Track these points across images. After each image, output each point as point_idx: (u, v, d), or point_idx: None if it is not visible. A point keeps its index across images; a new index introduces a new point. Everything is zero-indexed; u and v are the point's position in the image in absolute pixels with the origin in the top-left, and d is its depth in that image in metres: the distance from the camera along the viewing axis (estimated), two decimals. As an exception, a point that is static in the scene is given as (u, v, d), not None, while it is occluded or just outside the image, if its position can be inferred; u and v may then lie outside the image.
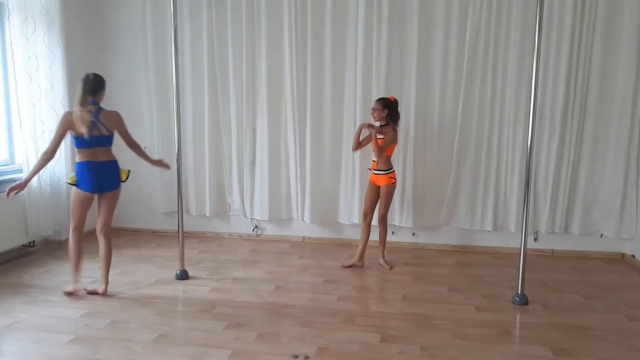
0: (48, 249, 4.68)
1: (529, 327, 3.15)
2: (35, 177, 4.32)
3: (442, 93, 4.59)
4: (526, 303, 3.47)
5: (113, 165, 3.54)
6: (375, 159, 4.11)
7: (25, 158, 4.30)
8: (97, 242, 3.61)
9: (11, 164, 4.46)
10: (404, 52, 4.60)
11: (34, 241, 4.52)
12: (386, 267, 4.21)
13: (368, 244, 4.25)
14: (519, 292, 3.49)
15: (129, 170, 3.67)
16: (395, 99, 4.09)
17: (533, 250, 4.58)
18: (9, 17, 4.10)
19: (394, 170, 4.12)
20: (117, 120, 3.58)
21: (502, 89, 4.51)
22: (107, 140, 3.51)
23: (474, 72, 4.51)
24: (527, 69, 4.30)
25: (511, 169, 4.58)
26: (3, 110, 4.40)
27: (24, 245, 4.45)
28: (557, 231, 4.61)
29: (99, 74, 3.57)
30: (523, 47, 4.36)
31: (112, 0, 5.12)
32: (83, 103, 3.39)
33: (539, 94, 3.48)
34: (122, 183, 3.61)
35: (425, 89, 4.61)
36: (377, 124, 4.06)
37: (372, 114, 4.07)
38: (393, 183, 4.10)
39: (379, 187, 4.13)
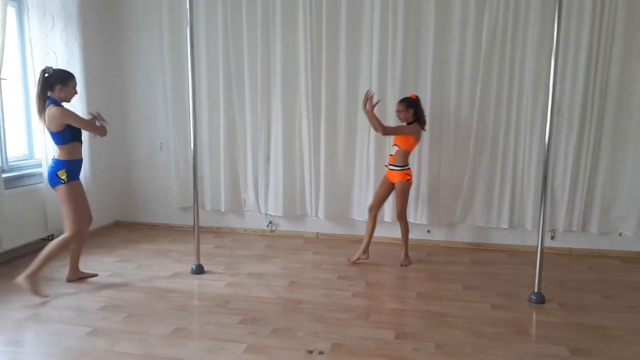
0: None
1: (545, 325, 3.12)
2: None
3: (459, 89, 4.55)
4: (543, 302, 3.43)
5: (53, 162, 3.44)
6: (392, 154, 4.10)
7: (44, 153, 4.35)
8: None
9: (30, 159, 4.53)
10: (420, 47, 4.57)
11: (52, 235, 4.58)
12: (403, 264, 4.20)
13: (385, 240, 4.24)
14: (536, 291, 3.46)
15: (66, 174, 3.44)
16: (417, 96, 4.08)
17: (550, 248, 4.53)
18: (28, 13, 4.16)
19: (409, 168, 4.10)
20: (52, 118, 3.31)
21: (519, 85, 4.46)
22: (54, 138, 3.40)
23: (491, 68, 4.46)
24: (544, 65, 4.25)
25: (528, 166, 4.53)
26: (22, 106, 4.46)
27: (42, 239, 4.52)
28: (574, 229, 4.55)
29: (66, 69, 3.53)
30: (541, 42, 4.30)
31: (129, -4, 5.17)
32: (38, 98, 3.34)
33: (557, 91, 3.43)
34: (62, 184, 3.41)
35: (441, 85, 4.58)
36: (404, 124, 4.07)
37: (398, 116, 4.07)
38: (408, 180, 4.08)
39: (392, 183, 4.12)
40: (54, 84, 3.34)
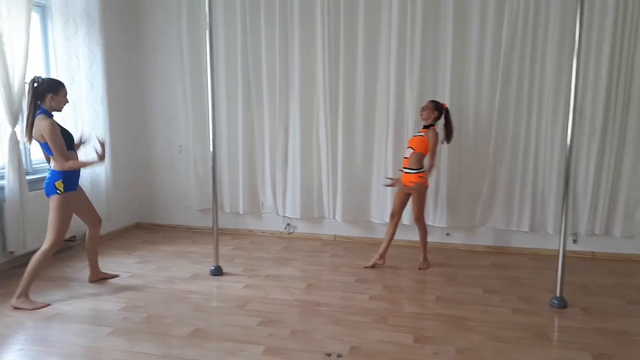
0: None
1: (567, 331, 3.07)
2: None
3: (478, 90, 4.51)
4: (565, 306, 3.37)
5: (49, 173, 3.37)
6: (406, 156, 4.08)
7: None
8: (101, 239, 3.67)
9: (53, 161, 4.61)
10: (438, 48, 4.54)
11: (74, 236, 4.66)
12: (421, 267, 4.17)
13: (403, 243, 4.21)
14: (557, 295, 3.40)
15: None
16: (447, 108, 4.07)
17: (572, 252, 4.45)
18: (51, 18, 4.24)
19: (424, 171, 4.06)
20: (41, 128, 3.22)
21: (540, 85, 4.40)
22: (45, 149, 3.33)
23: (511, 68, 4.41)
24: (566, 65, 4.18)
25: (549, 168, 4.46)
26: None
27: (65, 240, 4.59)
28: (597, 233, 4.47)
29: (55, 78, 3.44)
30: (562, 40, 4.24)
31: (149, 1, 5.24)
32: (29, 108, 3.26)
33: (579, 91, 3.38)
34: (58, 194, 3.33)
35: (460, 86, 4.54)
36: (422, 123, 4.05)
37: (421, 112, 4.05)
38: (423, 183, 4.04)
39: (408, 187, 4.08)
40: (45, 93, 3.24)
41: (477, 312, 3.31)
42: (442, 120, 4.06)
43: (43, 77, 3.32)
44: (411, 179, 4.03)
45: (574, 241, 4.55)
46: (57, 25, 4.28)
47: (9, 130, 3.81)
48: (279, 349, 2.77)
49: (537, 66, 4.38)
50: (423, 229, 4.17)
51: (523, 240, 4.67)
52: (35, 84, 3.25)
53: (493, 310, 3.34)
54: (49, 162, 3.45)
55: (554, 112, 4.37)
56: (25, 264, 3.40)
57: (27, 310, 3.29)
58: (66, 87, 3.39)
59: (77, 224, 4.54)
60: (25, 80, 3.94)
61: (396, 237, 4.52)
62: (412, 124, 4.61)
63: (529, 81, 4.41)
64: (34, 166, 4.35)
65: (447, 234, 4.82)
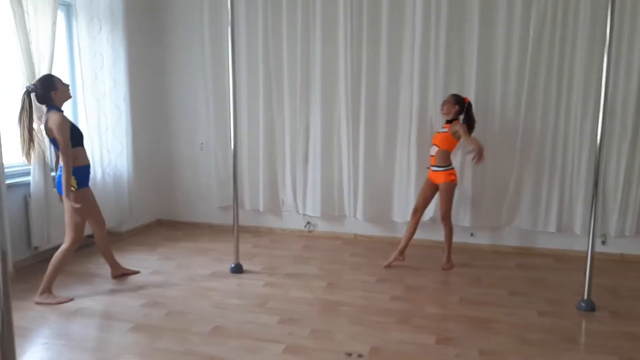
0: (110, 240, 4.84)
1: (595, 334, 2.97)
2: (100, 171, 4.53)
3: (504, 87, 4.41)
4: (593, 309, 3.27)
5: (60, 170, 3.38)
6: (432, 154, 4.02)
7: (91, 152, 4.48)
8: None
9: (78, 158, 4.67)
10: (464, 44, 4.45)
11: (97, 232, 4.71)
12: (444, 267, 4.10)
13: (426, 243, 4.15)
14: (585, 298, 3.30)
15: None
16: (469, 102, 4.00)
17: (601, 253, 4.32)
18: (76, 17, 4.29)
19: (453, 167, 4.01)
20: (52, 121, 3.24)
21: (568, 83, 4.28)
22: (55, 144, 3.34)
23: (539, 64, 4.30)
24: (596, 61, 4.06)
25: (577, 167, 4.34)
26: (70, 107, 4.60)
27: (87, 236, 4.64)
28: (627, 234, 4.33)
29: (44, 74, 3.43)
30: (593, 37, 4.11)
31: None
32: (28, 117, 3.26)
33: (609, 89, 3.27)
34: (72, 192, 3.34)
35: (486, 83, 4.44)
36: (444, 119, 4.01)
37: (442, 106, 4.00)
38: (452, 180, 3.98)
39: (436, 185, 4.03)
40: (47, 94, 3.23)
41: (502, 314, 3.23)
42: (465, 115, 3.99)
43: (33, 83, 3.28)
44: (440, 177, 3.96)
45: (603, 242, 4.42)
46: (81, 24, 4.34)
47: (35, 126, 3.85)
48: (299, 348, 2.75)
49: (566, 63, 4.26)
50: (449, 228, 4.10)
51: (549, 241, 4.55)
52: (33, 92, 3.21)
53: (518, 312, 3.26)
54: (58, 160, 3.46)
55: (584, 111, 4.25)
56: (49, 259, 3.45)
57: (51, 304, 3.34)
58: (58, 76, 3.32)
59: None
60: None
61: (419, 237, 4.47)
62: (436, 121, 4.53)
63: (558, 78, 4.29)
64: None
65: (471, 234, 4.73)
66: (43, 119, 3.31)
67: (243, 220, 5.09)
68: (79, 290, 3.56)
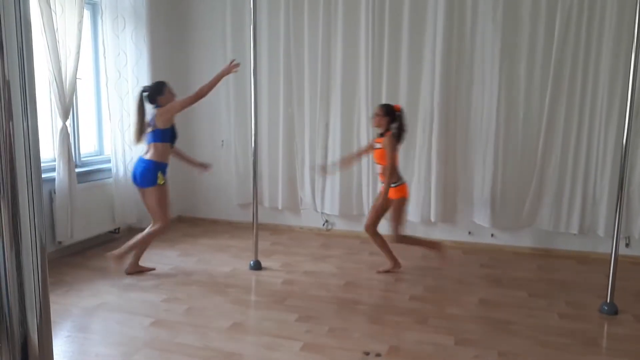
0: (131, 235, 4.91)
1: (618, 338, 2.93)
2: (122, 168, 4.60)
3: (528, 86, 4.35)
4: (615, 313, 3.22)
5: (144, 163, 3.76)
6: (379, 172, 3.84)
7: (113, 149, 4.57)
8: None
9: (100, 155, 4.75)
10: (486, 44, 4.40)
11: (119, 228, 4.80)
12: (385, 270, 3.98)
13: (447, 244, 4.09)
14: (608, 301, 3.25)
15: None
16: (401, 109, 3.80)
17: (624, 256, 4.22)
18: (101, 16, 4.36)
19: (403, 183, 3.81)
20: (164, 110, 3.72)
21: (593, 84, 4.21)
22: (155, 136, 3.73)
23: (563, 64, 4.23)
24: (622, 62, 3.99)
25: (601, 169, 4.27)
26: (94, 104, 4.69)
27: (109, 232, 4.73)
28: (652, 237, 4.26)
29: (156, 81, 3.89)
30: (619, 37, 4.04)
31: (194, -2, 5.32)
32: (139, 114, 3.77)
33: (636, 89, 3.20)
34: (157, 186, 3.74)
35: (509, 83, 4.39)
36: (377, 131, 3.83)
37: (373, 119, 3.82)
38: (402, 197, 3.76)
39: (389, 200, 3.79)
40: (155, 97, 3.69)
41: (522, 315, 3.20)
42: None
43: (146, 85, 3.81)
44: (390, 194, 3.73)
45: (627, 245, 4.34)
46: (107, 22, 4.40)
47: (60, 124, 3.94)
48: (317, 346, 2.76)
49: (591, 63, 4.19)
50: (381, 240, 3.93)
51: (572, 243, 4.49)
52: (145, 93, 3.72)
53: (538, 314, 3.23)
54: (147, 151, 3.76)
55: (608, 111, 4.17)
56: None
57: (113, 266, 3.73)
58: (167, 84, 3.78)
59: (126, 216, 4.69)
60: (78, 76, 4.08)
61: (436, 236, 4.46)
62: (458, 121, 4.51)
63: (582, 78, 4.23)
64: (82, 159, 4.49)
65: (492, 235, 4.69)
66: (150, 115, 3.74)
67: (262, 218, 5.11)
68: (101, 285, 3.63)
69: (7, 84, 0.63)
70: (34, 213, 0.68)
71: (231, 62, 3.69)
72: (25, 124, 0.65)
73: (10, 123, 0.63)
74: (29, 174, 0.66)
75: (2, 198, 0.65)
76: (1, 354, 0.67)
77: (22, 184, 0.65)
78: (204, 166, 4.19)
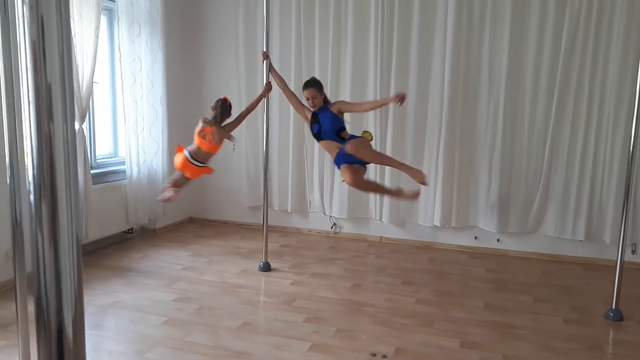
0: (144, 235, 5.05)
1: (623, 344, 2.95)
2: (136, 169, 4.69)
3: (534, 90, 4.39)
4: (621, 319, 3.25)
5: None
6: None
7: (128, 151, 4.67)
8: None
9: (115, 157, 4.86)
10: (494, 49, 4.45)
11: (132, 228, 4.89)
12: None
13: (451, 247, 4.12)
14: (613, 307, 3.27)
15: None
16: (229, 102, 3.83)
17: (630, 263, 4.24)
18: (118, 21, 4.47)
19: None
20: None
21: (600, 90, 4.24)
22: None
23: (571, 68, 4.27)
24: (631, 64, 4.01)
25: (608, 175, 4.29)
26: (109, 107, 4.80)
27: (123, 232, 4.83)
28: (659, 244, 4.27)
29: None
30: (627, 41, 4.06)
31: (208, 3, 5.42)
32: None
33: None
34: None
35: (516, 87, 4.44)
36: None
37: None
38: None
39: None
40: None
41: (527, 320, 3.24)
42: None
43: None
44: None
45: (633, 252, 4.35)
46: (123, 28, 4.51)
47: (77, 127, 4.04)
48: (324, 347, 2.82)
49: (599, 67, 4.22)
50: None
51: (577, 249, 4.51)
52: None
53: (544, 319, 3.26)
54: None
55: (615, 117, 4.20)
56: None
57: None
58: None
59: (139, 216, 4.79)
60: (94, 80, 4.18)
61: (443, 241, 4.51)
62: (465, 126, 4.55)
63: (590, 82, 4.25)
64: (98, 161, 4.59)
65: (498, 240, 4.72)
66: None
67: (271, 220, 5.19)
68: (114, 284, 3.71)
69: (48, 87, 0.65)
70: (71, 211, 0.72)
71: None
72: (64, 127, 0.67)
73: (51, 125, 0.66)
74: (67, 174, 0.69)
75: (43, 197, 0.70)
76: (39, 344, 0.73)
77: (61, 184, 0.68)
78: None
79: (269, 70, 3.91)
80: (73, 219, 0.74)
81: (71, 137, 0.71)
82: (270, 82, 3.89)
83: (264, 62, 3.90)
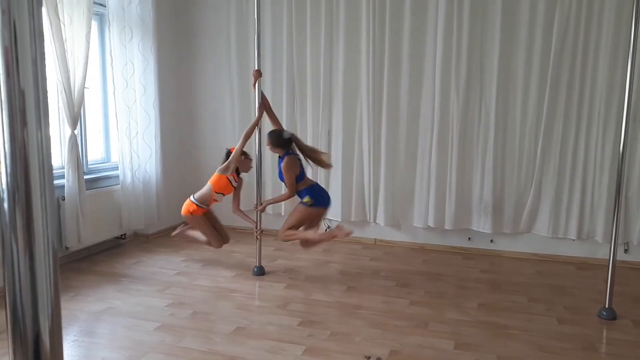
0: (137, 241, 5.03)
1: (617, 343, 2.96)
2: (129, 174, 4.68)
3: (526, 94, 4.41)
4: (614, 318, 3.25)
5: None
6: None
7: (121, 156, 4.65)
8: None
9: (107, 162, 4.84)
10: (485, 51, 4.47)
11: (125, 234, 4.87)
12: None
13: (445, 249, 4.13)
14: (606, 306, 3.28)
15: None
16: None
17: (623, 262, 4.27)
18: (109, 26, 4.46)
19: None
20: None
21: (591, 88, 4.26)
22: None
23: (561, 68, 4.29)
24: (620, 66, 4.04)
25: (599, 174, 4.31)
26: (101, 112, 4.78)
27: (116, 237, 4.81)
28: (651, 243, 4.28)
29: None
30: (617, 41, 4.09)
31: (199, 7, 5.42)
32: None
33: (633, 95, 3.25)
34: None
35: (507, 91, 4.46)
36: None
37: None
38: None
39: None
40: (287, 144, 3.92)
41: (521, 320, 3.24)
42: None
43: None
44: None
45: (625, 251, 4.37)
46: (114, 33, 4.50)
47: (69, 132, 4.03)
48: (319, 350, 2.81)
49: (588, 67, 4.25)
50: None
51: (570, 249, 4.52)
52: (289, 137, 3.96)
53: (538, 319, 3.27)
54: None
55: (606, 118, 4.22)
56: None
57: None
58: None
59: (132, 222, 4.77)
60: (86, 86, 4.16)
61: (437, 242, 4.51)
62: (457, 128, 4.56)
63: (580, 83, 4.28)
64: (90, 166, 4.57)
65: (491, 241, 4.73)
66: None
67: (266, 224, 5.18)
68: (107, 290, 3.70)
69: (21, 93, 0.64)
70: (47, 219, 0.71)
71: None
72: (38, 132, 0.66)
73: (25, 130, 0.65)
74: (42, 180, 0.68)
75: (17, 203, 0.68)
76: (15, 355, 0.71)
77: (35, 190, 0.67)
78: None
79: (262, 101, 4.00)
80: (49, 226, 0.72)
81: (46, 142, 0.70)
82: (259, 69, 3.93)
83: (256, 82, 3.92)
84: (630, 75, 3.08)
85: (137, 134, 4.77)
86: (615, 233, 3.22)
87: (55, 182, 4.09)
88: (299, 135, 5.13)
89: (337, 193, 5.02)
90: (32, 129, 0.67)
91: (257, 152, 4.06)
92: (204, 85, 5.53)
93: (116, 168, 4.72)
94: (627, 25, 3.78)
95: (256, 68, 3.92)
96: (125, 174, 4.67)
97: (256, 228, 4.08)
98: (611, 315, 3.26)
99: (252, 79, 3.94)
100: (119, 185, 4.66)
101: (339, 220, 5.09)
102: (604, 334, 3.10)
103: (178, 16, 5.42)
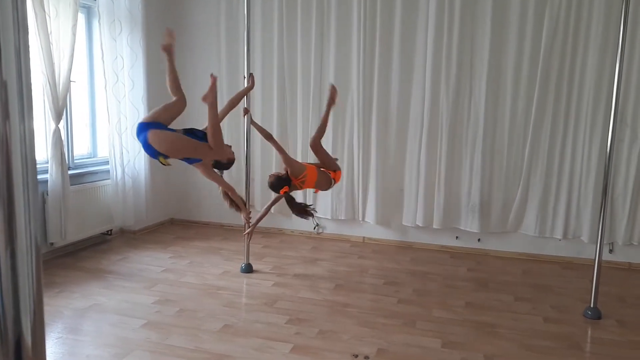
0: (124, 238, 4.97)
1: (601, 342, 2.99)
2: (120, 169, 4.63)
3: (514, 94, 4.43)
4: (599, 317, 3.29)
5: None
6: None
7: (112, 151, 4.59)
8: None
9: (94, 157, 4.78)
10: (475, 51, 4.49)
11: (111, 230, 4.82)
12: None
13: (433, 247, 4.15)
14: (592, 306, 3.32)
15: None
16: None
17: (608, 262, 4.32)
18: (99, 20, 4.39)
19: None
20: None
21: (579, 89, 4.29)
22: None
23: (550, 70, 4.32)
24: (608, 68, 4.08)
25: (586, 175, 4.35)
26: (88, 107, 4.71)
27: (102, 233, 4.75)
28: (635, 243, 4.33)
29: None
30: (605, 43, 4.12)
31: (189, 1, 5.37)
32: None
33: (620, 97, 3.28)
34: None
35: (496, 90, 4.48)
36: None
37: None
38: None
39: None
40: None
41: (508, 319, 3.26)
42: None
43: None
44: None
45: (610, 251, 4.42)
46: (104, 26, 4.43)
47: (53, 126, 3.97)
48: (306, 348, 2.81)
49: (577, 69, 4.28)
50: None
51: (556, 248, 4.56)
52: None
53: (524, 318, 3.29)
54: None
55: (593, 118, 4.26)
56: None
57: None
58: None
59: (120, 217, 4.72)
60: (71, 79, 4.10)
61: (425, 241, 4.52)
62: (446, 127, 4.57)
63: (568, 84, 4.31)
64: (75, 161, 4.51)
65: (479, 240, 4.76)
66: None
67: (254, 221, 5.16)
68: (92, 287, 3.65)
69: (4, 84, 0.62)
70: (29, 214, 0.69)
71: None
72: (21, 125, 0.64)
73: (7, 123, 0.63)
74: (24, 175, 0.66)
75: None
76: None
77: (18, 185, 0.65)
78: None
79: (251, 123, 3.91)
80: (31, 223, 0.70)
81: (29, 136, 0.67)
82: (252, 74, 3.84)
83: (245, 116, 3.89)
84: (617, 77, 3.11)
85: (126, 129, 4.72)
86: (601, 233, 3.25)
87: (39, 177, 4.03)
88: (289, 132, 5.14)
89: (327, 191, 5.00)
90: (14, 122, 0.64)
91: (245, 149, 4.01)
92: (193, 79, 5.47)
93: (103, 163, 4.66)
94: (615, 27, 3.83)
95: (245, 65, 3.87)
96: (117, 169, 4.61)
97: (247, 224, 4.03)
98: (596, 315, 3.29)
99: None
100: (109, 181, 4.61)
101: (328, 217, 5.09)
102: (589, 333, 3.13)
103: (167, 9, 5.36)
